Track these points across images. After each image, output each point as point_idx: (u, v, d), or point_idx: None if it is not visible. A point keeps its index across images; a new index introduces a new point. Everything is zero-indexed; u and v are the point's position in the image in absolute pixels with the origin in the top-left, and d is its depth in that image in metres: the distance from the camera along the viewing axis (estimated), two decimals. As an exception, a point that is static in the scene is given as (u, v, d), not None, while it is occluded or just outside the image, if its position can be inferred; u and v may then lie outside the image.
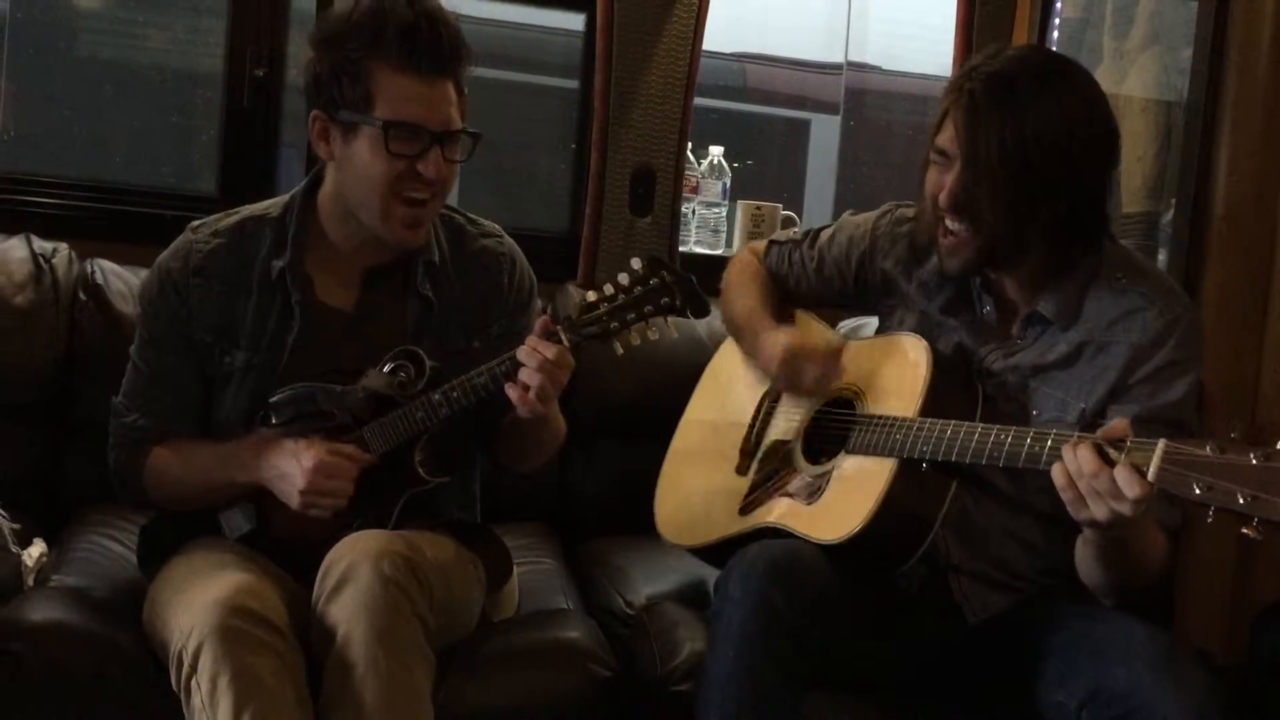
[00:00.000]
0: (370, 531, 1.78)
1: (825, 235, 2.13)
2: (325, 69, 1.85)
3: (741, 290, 2.16)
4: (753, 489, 1.98)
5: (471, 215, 2.10)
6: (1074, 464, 1.51)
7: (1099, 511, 1.50)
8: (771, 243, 2.21)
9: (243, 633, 1.63)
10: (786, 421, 2.01)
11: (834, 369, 1.93)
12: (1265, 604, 2.19)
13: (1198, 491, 1.39)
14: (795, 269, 2.15)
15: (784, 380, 1.98)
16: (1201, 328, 1.83)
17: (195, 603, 1.67)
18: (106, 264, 2.47)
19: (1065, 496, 1.53)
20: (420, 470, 1.87)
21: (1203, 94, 2.41)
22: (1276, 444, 1.36)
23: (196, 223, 2.02)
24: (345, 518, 1.86)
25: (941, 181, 1.79)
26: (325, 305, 1.96)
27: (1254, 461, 1.35)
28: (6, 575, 1.92)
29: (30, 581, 1.97)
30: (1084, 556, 1.72)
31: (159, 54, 3.19)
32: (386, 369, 1.89)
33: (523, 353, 1.78)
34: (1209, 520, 1.39)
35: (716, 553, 1.99)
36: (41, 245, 2.43)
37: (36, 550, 2.05)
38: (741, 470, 2.02)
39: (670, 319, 1.80)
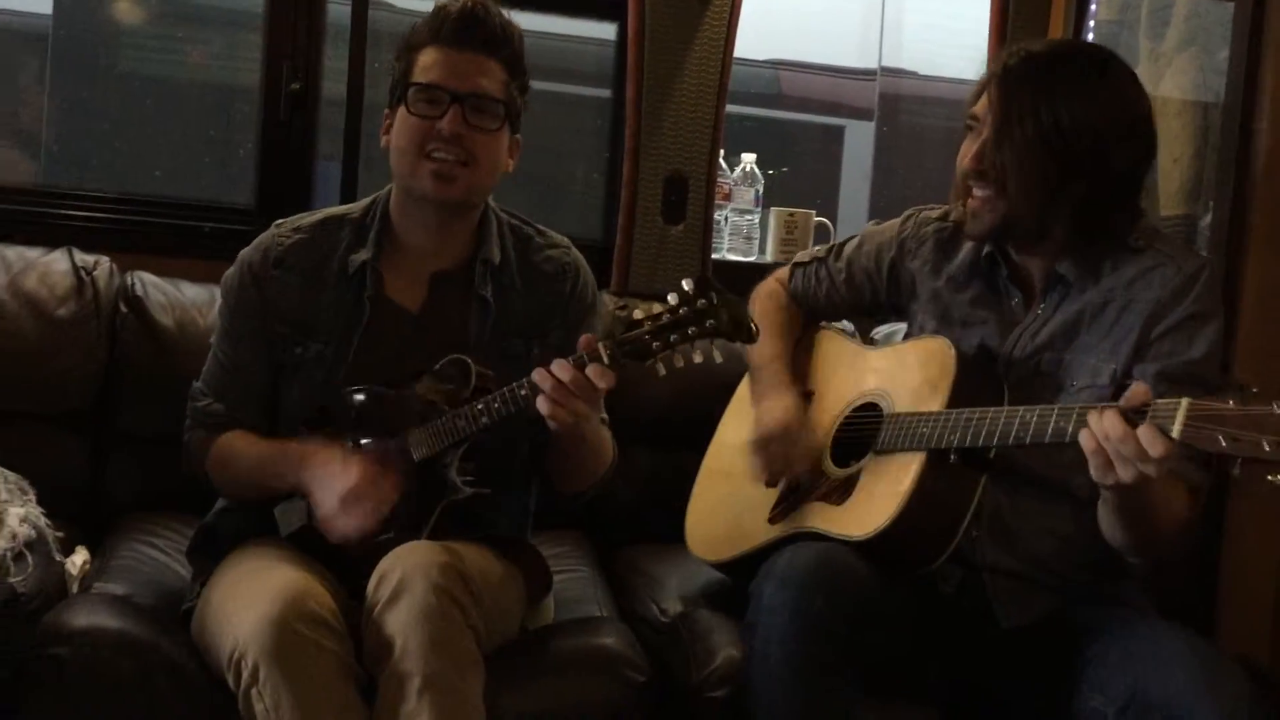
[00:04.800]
0: (420, 543, 1.79)
1: (851, 246, 2.14)
2: (393, 70, 2.00)
3: (761, 331, 2.16)
4: (782, 498, 1.98)
5: (541, 226, 2.14)
6: (1100, 428, 1.51)
7: (1125, 474, 1.50)
8: (794, 266, 2.21)
9: (299, 641, 1.65)
10: (814, 430, 2.00)
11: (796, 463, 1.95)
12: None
13: (1223, 444, 1.40)
14: (824, 284, 2.15)
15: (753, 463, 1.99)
16: (1219, 281, 1.83)
17: (249, 611, 1.68)
18: (147, 276, 2.50)
19: (1094, 462, 1.54)
20: (456, 480, 1.87)
21: (1239, 95, 2.39)
22: None
23: (281, 220, 2.09)
24: (381, 523, 1.86)
25: (970, 149, 1.83)
26: (393, 303, 2.01)
27: (1277, 411, 1.37)
28: (52, 582, 1.94)
29: (74, 589, 2.00)
30: (1104, 515, 1.72)
31: (198, 69, 3.23)
32: (437, 377, 1.91)
33: (537, 374, 1.76)
34: (1235, 473, 1.40)
35: (744, 566, 1.98)
36: (83, 258, 2.47)
37: (80, 558, 2.08)
38: (771, 483, 2.02)
39: (715, 342, 1.74)
